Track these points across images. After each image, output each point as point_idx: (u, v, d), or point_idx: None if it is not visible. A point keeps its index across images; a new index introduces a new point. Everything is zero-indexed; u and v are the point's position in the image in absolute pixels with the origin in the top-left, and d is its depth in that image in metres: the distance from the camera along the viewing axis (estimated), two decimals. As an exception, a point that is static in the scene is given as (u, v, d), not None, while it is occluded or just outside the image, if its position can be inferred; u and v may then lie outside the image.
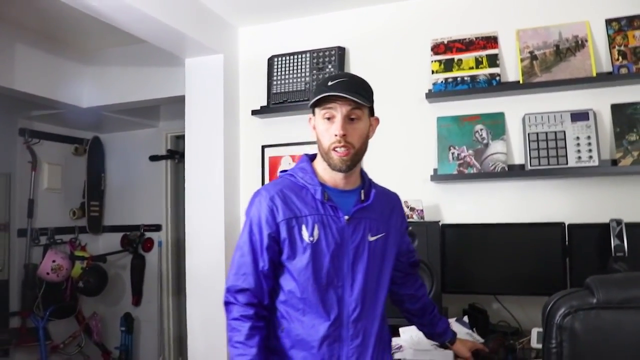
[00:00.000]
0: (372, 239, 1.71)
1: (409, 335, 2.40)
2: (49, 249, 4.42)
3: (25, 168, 4.43)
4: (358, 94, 1.60)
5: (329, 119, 1.63)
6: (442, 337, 2.11)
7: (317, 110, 1.67)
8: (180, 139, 4.84)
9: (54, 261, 4.27)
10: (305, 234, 1.64)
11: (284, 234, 1.64)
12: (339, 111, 1.61)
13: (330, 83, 1.62)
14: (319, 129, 1.67)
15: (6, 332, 4.14)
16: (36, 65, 3.68)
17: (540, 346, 2.18)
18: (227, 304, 1.69)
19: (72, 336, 4.64)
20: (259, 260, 1.66)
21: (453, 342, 2.13)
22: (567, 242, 2.53)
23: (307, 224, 1.64)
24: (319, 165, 1.72)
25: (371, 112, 1.71)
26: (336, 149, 1.62)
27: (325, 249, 1.64)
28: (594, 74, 2.67)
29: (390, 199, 1.86)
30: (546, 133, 2.71)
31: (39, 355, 4.22)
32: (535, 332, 2.33)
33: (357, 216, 1.69)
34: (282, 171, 1.80)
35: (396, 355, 2.23)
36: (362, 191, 1.73)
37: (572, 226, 2.54)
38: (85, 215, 4.94)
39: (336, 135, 1.60)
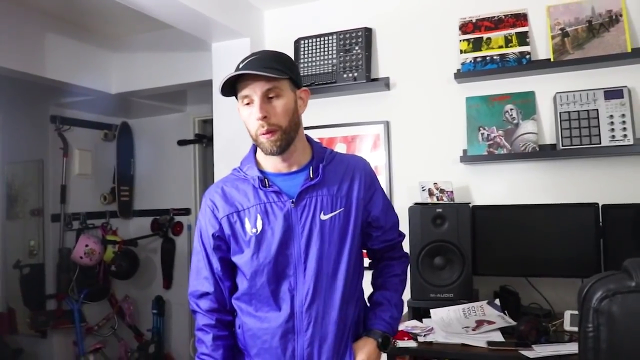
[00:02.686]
0: (325, 217, 1.57)
1: (440, 317, 2.38)
2: (82, 234, 4.54)
3: (57, 154, 4.53)
4: (269, 69, 1.48)
5: (248, 104, 1.53)
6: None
7: (238, 98, 1.58)
8: (207, 123, 4.87)
9: (86, 245, 4.37)
10: (248, 226, 1.57)
11: (227, 230, 1.59)
12: (254, 93, 1.51)
13: (240, 65, 1.52)
14: (242, 117, 1.58)
15: (44, 315, 4.28)
16: (66, 53, 3.73)
17: (574, 329, 2.17)
18: (193, 312, 1.67)
19: (106, 318, 4.76)
20: (212, 262, 1.63)
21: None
22: (601, 223, 2.48)
23: (250, 216, 1.57)
24: (260, 152, 1.62)
25: (296, 85, 1.59)
26: (263, 134, 1.52)
27: (270, 238, 1.55)
28: (629, 50, 2.58)
29: (349, 168, 1.67)
30: (578, 112, 2.64)
31: (75, 337, 4.35)
32: (568, 314, 2.30)
33: (305, 196, 1.57)
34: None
35: (427, 338, 2.23)
36: (311, 167, 1.60)
37: (606, 207, 2.49)
38: (116, 200, 5.03)
39: (258, 120, 1.51)
